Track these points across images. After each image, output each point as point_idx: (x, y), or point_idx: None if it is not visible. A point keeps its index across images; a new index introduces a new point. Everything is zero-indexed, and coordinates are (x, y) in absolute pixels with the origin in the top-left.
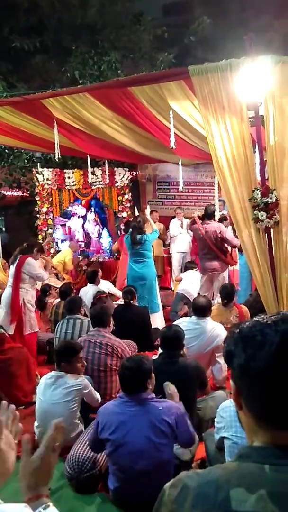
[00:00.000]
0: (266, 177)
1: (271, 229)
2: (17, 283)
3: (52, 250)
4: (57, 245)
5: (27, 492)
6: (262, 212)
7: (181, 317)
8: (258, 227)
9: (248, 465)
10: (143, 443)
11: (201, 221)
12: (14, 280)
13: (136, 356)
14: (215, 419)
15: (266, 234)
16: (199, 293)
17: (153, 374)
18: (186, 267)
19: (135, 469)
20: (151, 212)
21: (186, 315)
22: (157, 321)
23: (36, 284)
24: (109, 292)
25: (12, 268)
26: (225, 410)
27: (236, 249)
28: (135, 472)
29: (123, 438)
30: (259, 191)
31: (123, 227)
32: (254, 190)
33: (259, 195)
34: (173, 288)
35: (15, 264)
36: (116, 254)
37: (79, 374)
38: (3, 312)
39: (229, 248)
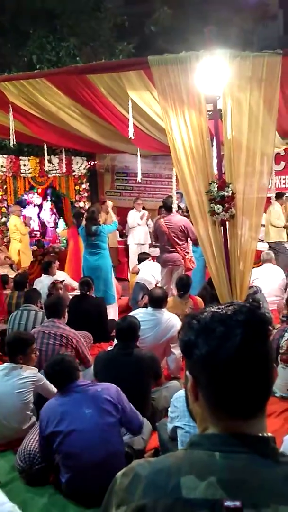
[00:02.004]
0: (223, 171)
1: (227, 222)
2: None
3: (5, 239)
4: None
5: None
6: (218, 205)
7: (142, 307)
8: (214, 220)
9: (199, 453)
10: (90, 427)
11: (160, 215)
12: None
13: (56, 355)
14: (169, 409)
15: (222, 227)
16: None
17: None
18: (140, 259)
19: (85, 456)
20: (103, 202)
21: (146, 306)
22: (112, 312)
23: None
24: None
25: None
26: (178, 400)
27: (191, 243)
28: (86, 459)
29: (69, 426)
30: (216, 184)
31: (73, 219)
32: (211, 183)
33: (216, 188)
34: (129, 279)
35: None
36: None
37: (32, 367)
38: None
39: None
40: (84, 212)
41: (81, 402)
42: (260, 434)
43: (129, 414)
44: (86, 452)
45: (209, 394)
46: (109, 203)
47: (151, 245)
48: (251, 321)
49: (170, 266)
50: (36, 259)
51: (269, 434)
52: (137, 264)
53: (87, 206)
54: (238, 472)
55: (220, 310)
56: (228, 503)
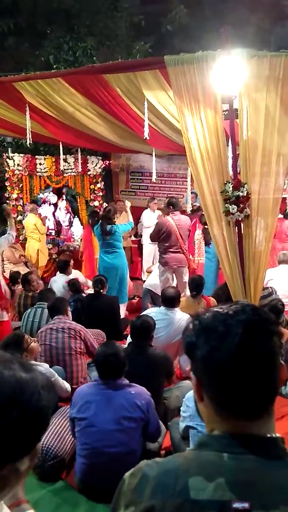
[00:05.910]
0: (238, 171)
1: (242, 223)
2: None
3: (21, 237)
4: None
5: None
6: (233, 205)
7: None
8: (229, 220)
9: (207, 454)
10: (111, 425)
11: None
12: None
13: (112, 342)
14: (181, 408)
15: (236, 227)
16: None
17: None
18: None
19: (102, 450)
20: (116, 202)
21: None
22: (123, 310)
23: None
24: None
25: None
26: (190, 399)
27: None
28: (102, 452)
29: (93, 417)
30: (231, 184)
31: (88, 218)
32: (226, 183)
33: (231, 188)
34: (144, 279)
35: None
36: None
37: (43, 363)
38: None
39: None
40: (98, 211)
41: (111, 398)
42: (268, 435)
43: (152, 423)
44: (103, 447)
45: (212, 394)
46: (127, 203)
47: None
48: (253, 320)
49: (175, 267)
50: (51, 258)
51: (278, 435)
52: (152, 265)
53: (101, 206)
54: (246, 473)
55: (222, 310)
56: (236, 505)
